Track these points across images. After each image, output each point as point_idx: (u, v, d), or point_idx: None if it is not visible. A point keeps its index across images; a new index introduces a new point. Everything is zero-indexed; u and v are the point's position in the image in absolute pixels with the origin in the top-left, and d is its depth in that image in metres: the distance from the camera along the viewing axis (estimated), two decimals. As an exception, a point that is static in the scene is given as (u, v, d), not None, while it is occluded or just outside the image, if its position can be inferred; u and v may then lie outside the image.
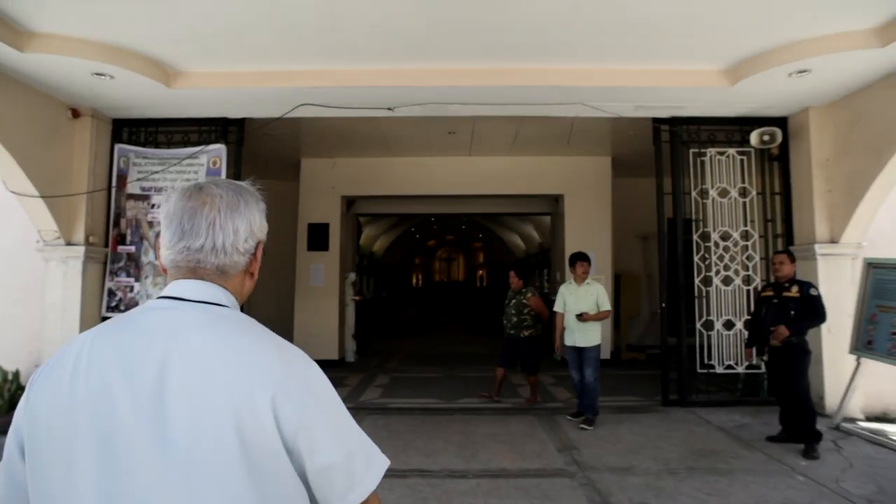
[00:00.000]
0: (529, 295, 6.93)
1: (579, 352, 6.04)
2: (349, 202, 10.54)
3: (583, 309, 6.00)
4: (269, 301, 10.86)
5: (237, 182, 1.14)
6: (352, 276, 10.32)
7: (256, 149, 9.49)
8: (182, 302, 1.01)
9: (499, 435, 5.50)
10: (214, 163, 6.69)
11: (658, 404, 6.71)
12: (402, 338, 14.64)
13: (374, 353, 11.36)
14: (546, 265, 28.36)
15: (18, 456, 0.96)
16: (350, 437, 1.01)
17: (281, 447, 0.92)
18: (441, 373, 9.06)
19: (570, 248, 9.53)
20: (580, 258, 6.18)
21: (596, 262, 9.22)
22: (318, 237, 9.65)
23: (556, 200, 10.76)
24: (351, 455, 0.98)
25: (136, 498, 0.88)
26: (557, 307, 6.31)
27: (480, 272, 43.19)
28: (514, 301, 7.03)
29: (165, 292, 1.04)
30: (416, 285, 41.60)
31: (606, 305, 6.03)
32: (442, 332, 17.20)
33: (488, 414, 6.36)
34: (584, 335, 5.98)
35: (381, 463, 1.03)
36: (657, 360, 10.15)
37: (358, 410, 6.45)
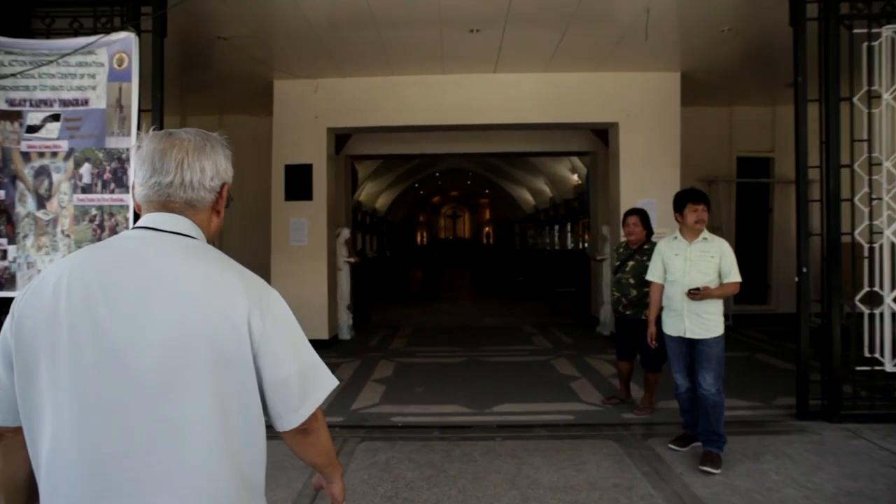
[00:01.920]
0: None
1: (690, 346, 3.72)
2: (340, 139, 8.05)
3: (699, 280, 3.64)
4: (245, 265, 8.53)
5: (205, 131, 1.17)
6: (345, 233, 7.94)
7: (217, 70, 7.01)
8: (154, 232, 1.07)
9: (575, 486, 3.22)
10: (120, 61, 4.20)
11: (789, 415, 4.41)
12: (409, 303, 12.38)
13: (374, 326, 9.08)
14: (555, 222, 26.01)
15: (4, 370, 1.03)
16: (304, 355, 1.10)
17: (251, 358, 1.03)
18: (461, 356, 6.79)
19: (626, 193, 7.13)
20: (692, 198, 3.76)
21: (659, 214, 6.83)
22: (298, 183, 7.22)
23: (599, 135, 8.25)
24: (303, 372, 1.09)
25: (114, 399, 0.96)
26: (652, 275, 3.94)
27: (487, 229, 40.84)
28: (632, 263, 4.62)
29: (139, 223, 1.10)
30: (420, 243, 39.40)
31: (735, 275, 3.65)
32: (452, 295, 14.93)
33: (544, 436, 4.08)
34: (701, 321, 3.64)
35: (329, 382, 1.14)
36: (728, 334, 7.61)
37: (347, 433, 4.19)
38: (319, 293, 7.22)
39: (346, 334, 7.83)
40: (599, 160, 8.68)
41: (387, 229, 31.55)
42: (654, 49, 6.35)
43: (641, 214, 4.72)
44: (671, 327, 3.78)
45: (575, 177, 20.02)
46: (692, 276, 3.68)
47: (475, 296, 14.61)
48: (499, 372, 5.95)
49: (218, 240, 9.12)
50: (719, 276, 3.67)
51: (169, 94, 8.09)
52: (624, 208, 7.07)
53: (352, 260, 8.06)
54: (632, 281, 4.59)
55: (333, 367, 6.12)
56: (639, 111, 7.09)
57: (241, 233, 8.74)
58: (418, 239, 40.07)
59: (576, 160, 17.82)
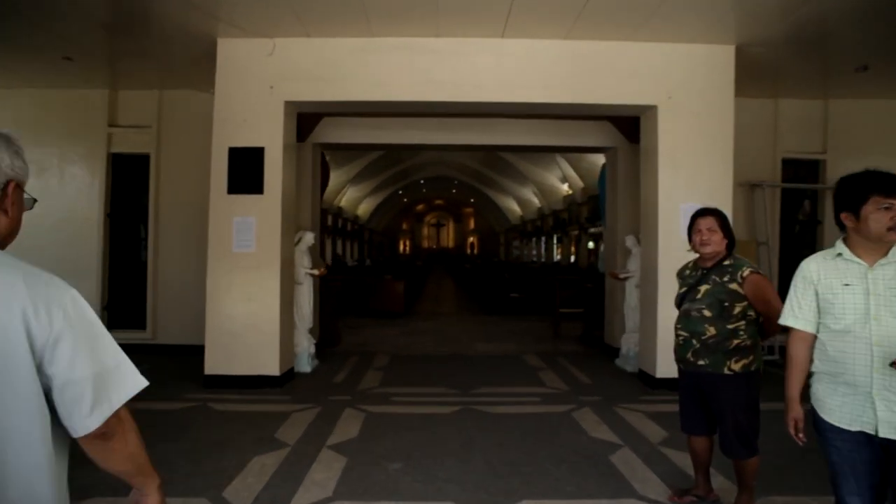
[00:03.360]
0: (747, 273, 2.81)
1: (879, 451, 2.02)
2: (304, 121, 6.28)
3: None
4: (182, 278, 6.74)
5: None
6: (307, 238, 6.14)
7: (152, 27, 5.22)
8: None
9: None
10: None
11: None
12: (388, 318, 10.61)
13: (343, 352, 7.25)
14: (542, 233, 24.45)
15: None
16: (103, 357, 1.01)
17: (31, 363, 0.94)
18: (452, 402, 5.01)
19: (666, 195, 5.53)
20: (879, 187, 2.03)
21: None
22: (245, 171, 5.41)
23: (621, 128, 6.61)
24: (100, 374, 0.99)
25: None
26: (793, 317, 2.18)
27: (471, 239, 39.26)
28: (706, 287, 2.88)
29: None
30: (403, 252, 37.66)
31: (961, 322, 1.98)
32: (437, 310, 13.16)
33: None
34: (908, 407, 1.95)
35: (134, 384, 1.04)
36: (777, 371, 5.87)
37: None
38: (269, 315, 5.39)
39: (305, 366, 6.00)
40: (620, 157, 7.03)
41: (368, 237, 29.85)
42: (710, 9, 4.76)
43: (719, 216, 2.99)
44: (842, 414, 2.06)
45: (565, 186, 18.49)
46: (883, 324, 1.98)
47: (462, 312, 12.84)
48: (506, 433, 4.19)
49: (157, 246, 7.28)
50: (926, 324, 1.99)
51: (94, 63, 6.35)
52: (663, 213, 5.45)
53: (316, 272, 6.26)
54: (707, 314, 2.86)
55: (280, 418, 4.36)
56: (683, 92, 5.45)
57: (183, 236, 6.90)
58: (401, 248, 38.38)
59: (567, 169, 16.32)
